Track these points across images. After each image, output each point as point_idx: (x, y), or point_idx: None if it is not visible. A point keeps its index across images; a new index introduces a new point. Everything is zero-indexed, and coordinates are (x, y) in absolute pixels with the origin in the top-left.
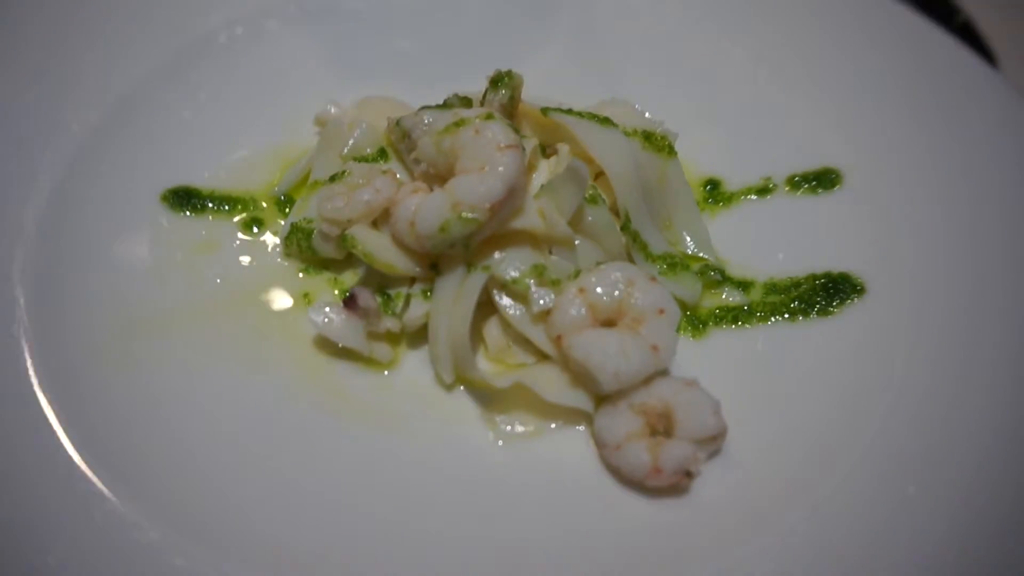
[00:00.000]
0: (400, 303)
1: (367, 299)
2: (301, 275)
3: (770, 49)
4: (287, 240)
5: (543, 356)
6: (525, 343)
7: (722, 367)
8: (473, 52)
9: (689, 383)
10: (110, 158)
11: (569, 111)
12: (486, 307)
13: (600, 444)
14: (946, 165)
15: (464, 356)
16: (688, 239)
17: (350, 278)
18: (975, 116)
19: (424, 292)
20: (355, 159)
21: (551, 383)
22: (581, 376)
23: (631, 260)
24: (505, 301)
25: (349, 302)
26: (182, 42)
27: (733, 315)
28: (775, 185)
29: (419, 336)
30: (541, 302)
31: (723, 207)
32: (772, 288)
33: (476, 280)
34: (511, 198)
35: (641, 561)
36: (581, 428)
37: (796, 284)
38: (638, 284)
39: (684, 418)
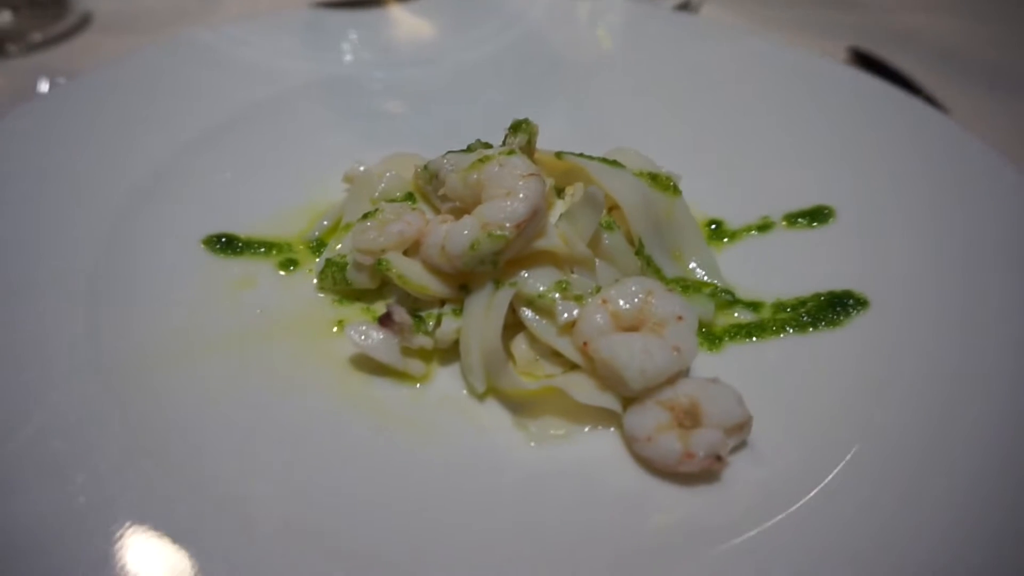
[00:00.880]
0: (432, 322)
1: (402, 315)
2: (335, 306)
3: (761, 111)
4: (322, 274)
5: (570, 367)
6: (552, 356)
7: (739, 376)
8: (485, 120)
9: (712, 380)
10: (160, 210)
11: (580, 155)
12: (513, 327)
13: (631, 439)
14: (918, 196)
15: (497, 365)
16: (697, 268)
17: (382, 308)
18: (937, 155)
19: (454, 311)
20: (386, 200)
21: (580, 387)
22: (608, 380)
23: None
24: (531, 316)
25: (385, 319)
26: (224, 116)
27: (747, 330)
28: (774, 223)
29: (450, 354)
30: (566, 315)
31: (728, 243)
32: (781, 307)
33: (504, 295)
34: (535, 219)
35: (677, 542)
36: (611, 430)
37: (803, 302)
38: (657, 293)
39: (711, 409)
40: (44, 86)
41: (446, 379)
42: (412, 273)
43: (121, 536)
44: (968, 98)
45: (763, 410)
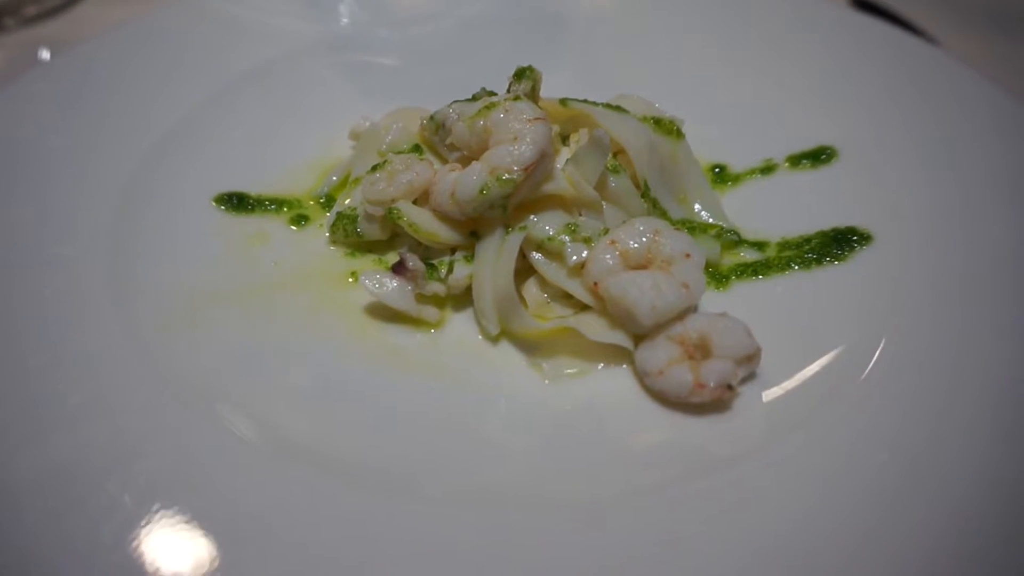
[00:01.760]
0: (444, 269)
1: (415, 262)
2: (347, 258)
3: (760, 56)
4: (334, 227)
5: (581, 307)
6: (563, 298)
7: (747, 312)
8: (489, 72)
9: (720, 314)
10: (174, 169)
11: (585, 101)
12: (523, 272)
13: (643, 374)
14: (919, 133)
15: (509, 308)
16: (702, 210)
17: (394, 259)
18: (932, 90)
19: (466, 258)
20: (393, 152)
21: (591, 326)
22: (619, 317)
23: None
24: (541, 259)
25: (398, 267)
26: (233, 76)
27: (753, 268)
28: (777, 164)
29: (463, 299)
30: (575, 256)
31: (732, 186)
32: (786, 245)
33: (515, 239)
34: (542, 162)
35: (689, 470)
36: (624, 367)
37: (807, 240)
38: (664, 232)
39: (721, 342)
40: (46, 55)
41: (460, 324)
42: (423, 221)
43: (144, 485)
44: (965, 38)
45: (771, 344)
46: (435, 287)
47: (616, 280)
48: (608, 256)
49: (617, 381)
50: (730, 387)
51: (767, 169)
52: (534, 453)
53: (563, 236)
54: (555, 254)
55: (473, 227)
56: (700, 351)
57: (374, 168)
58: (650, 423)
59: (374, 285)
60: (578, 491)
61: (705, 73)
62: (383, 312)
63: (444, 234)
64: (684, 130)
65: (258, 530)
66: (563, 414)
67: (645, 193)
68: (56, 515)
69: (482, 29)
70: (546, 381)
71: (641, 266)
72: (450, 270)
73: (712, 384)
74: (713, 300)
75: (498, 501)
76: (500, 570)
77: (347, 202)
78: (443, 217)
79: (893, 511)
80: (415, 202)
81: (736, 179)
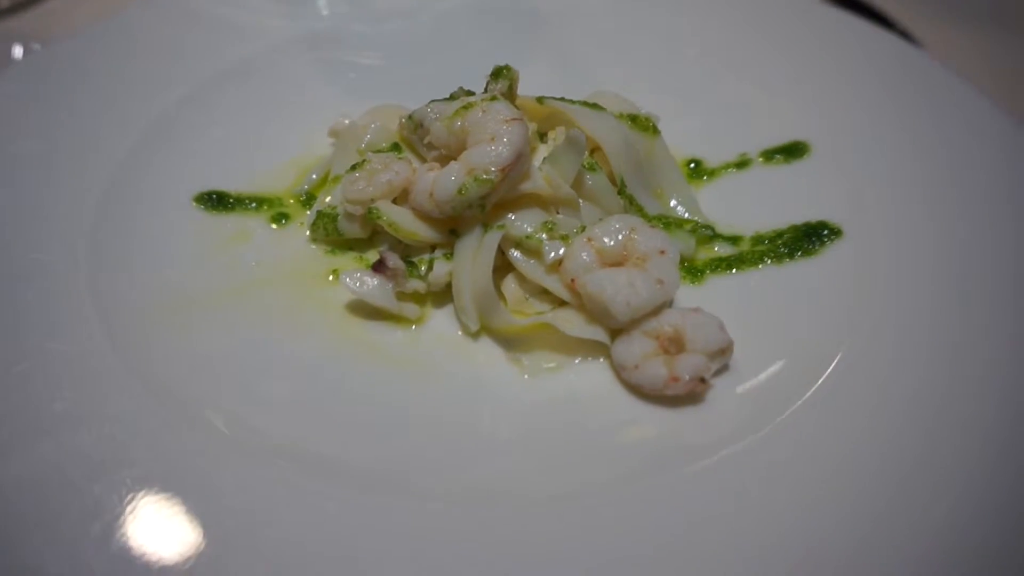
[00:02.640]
0: (424, 267)
1: (395, 260)
2: (328, 256)
3: (733, 49)
4: (314, 225)
5: (559, 303)
6: (542, 294)
7: (721, 306)
8: (467, 69)
9: (694, 309)
10: (151, 169)
11: (562, 99)
12: (502, 269)
13: (620, 367)
14: (891, 128)
15: (487, 304)
16: (678, 205)
17: (374, 256)
18: (906, 86)
19: (445, 255)
20: (372, 151)
21: (569, 322)
22: (596, 313)
23: None
24: (520, 256)
25: (378, 265)
26: (209, 74)
27: (727, 263)
28: (751, 159)
29: (443, 296)
30: (552, 253)
31: (707, 181)
32: (759, 240)
33: (493, 237)
34: (519, 162)
35: (664, 460)
36: (601, 360)
37: (780, 234)
38: (640, 230)
39: (694, 336)
40: (18, 51)
41: (441, 320)
42: (402, 220)
43: (130, 488)
44: (941, 32)
45: (744, 337)
46: (415, 284)
47: (592, 277)
48: (584, 253)
49: (595, 374)
50: (703, 380)
51: (741, 164)
52: (515, 447)
53: (541, 234)
54: (533, 251)
55: (452, 225)
56: (675, 345)
57: (353, 167)
58: (627, 415)
59: (355, 284)
60: (559, 483)
61: (681, 68)
62: (364, 309)
63: (424, 232)
64: (660, 126)
65: (243, 529)
66: (543, 408)
67: (621, 190)
68: (42, 523)
69: (460, 24)
70: (526, 376)
71: (617, 263)
72: (430, 268)
73: (686, 377)
74: (688, 294)
75: (481, 495)
76: (482, 564)
77: (327, 200)
78: (422, 216)
79: (866, 499)
80: (395, 200)
81: (711, 173)
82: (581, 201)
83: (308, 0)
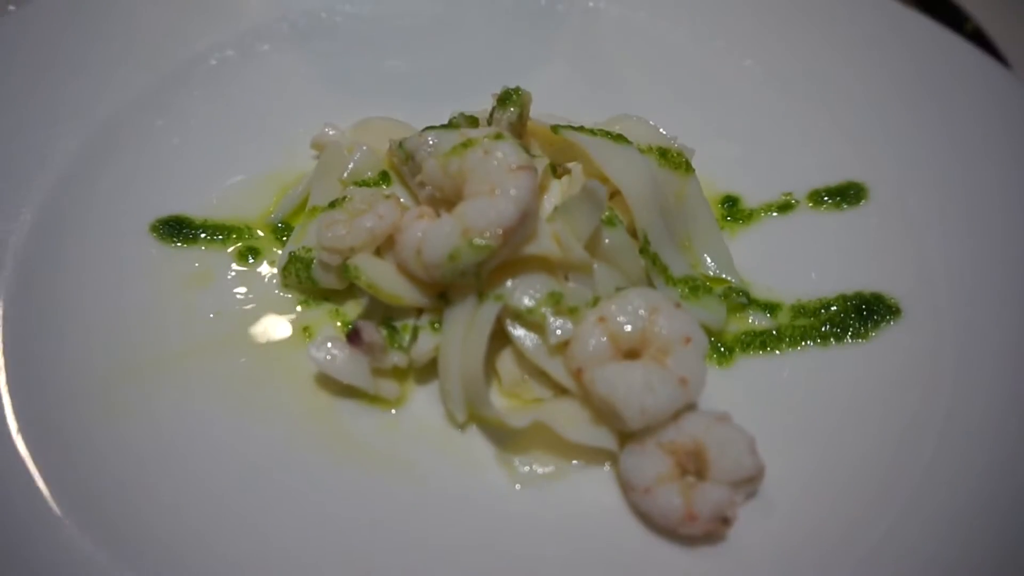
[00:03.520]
0: (407, 336)
1: (371, 333)
2: (300, 308)
3: (782, 61)
4: (285, 270)
5: (561, 390)
6: (541, 376)
7: (751, 398)
8: (475, 69)
9: (721, 418)
10: (95, 188)
11: (581, 128)
12: (499, 338)
13: (627, 487)
14: (973, 174)
15: (477, 392)
16: (709, 260)
17: (352, 309)
18: (996, 120)
19: (432, 324)
20: (356, 183)
21: (572, 420)
22: (604, 412)
23: (651, 284)
24: (519, 332)
25: (352, 337)
26: (170, 66)
27: (761, 340)
28: (796, 201)
29: (428, 371)
30: (558, 332)
31: (743, 225)
32: (800, 311)
33: (489, 310)
34: (524, 222)
35: None
36: (606, 468)
37: (826, 306)
38: (662, 311)
39: (718, 457)
40: None
41: (423, 401)
42: (384, 281)
43: None
44: None
45: (777, 448)
46: (396, 358)
47: (602, 374)
48: (595, 340)
49: (597, 485)
50: (725, 520)
51: (784, 207)
52: (495, 573)
53: (545, 308)
54: (535, 327)
55: (442, 289)
56: (694, 463)
57: (332, 204)
58: (631, 544)
59: (324, 356)
60: None
61: (717, 85)
62: (335, 384)
63: (408, 295)
64: (693, 161)
65: None
66: (533, 524)
67: (644, 248)
68: None
69: (471, 15)
70: (517, 486)
71: (633, 351)
72: (414, 338)
73: (705, 515)
74: (713, 378)
75: None
76: None
77: (303, 240)
78: (408, 274)
79: None
80: (379, 248)
81: (749, 217)
82: (596, 263)
83: None
